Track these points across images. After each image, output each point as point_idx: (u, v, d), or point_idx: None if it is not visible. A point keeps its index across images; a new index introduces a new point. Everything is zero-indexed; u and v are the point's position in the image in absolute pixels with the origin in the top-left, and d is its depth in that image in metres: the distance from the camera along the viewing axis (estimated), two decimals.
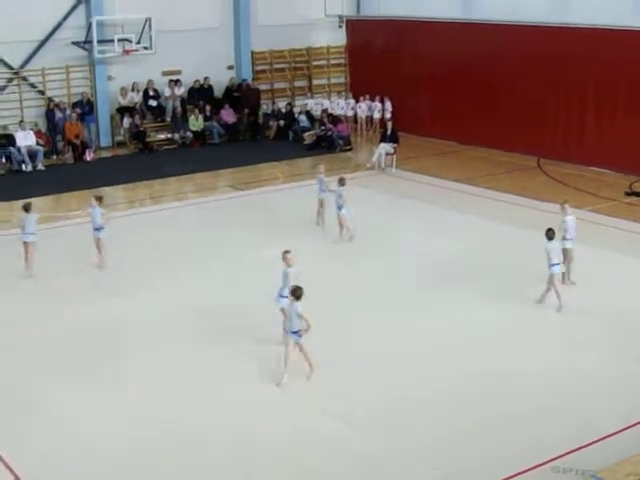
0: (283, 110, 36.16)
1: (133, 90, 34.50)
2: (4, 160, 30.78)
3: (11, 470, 12.42)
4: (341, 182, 22.08)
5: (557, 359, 15.75)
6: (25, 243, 20.25)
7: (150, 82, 34.75)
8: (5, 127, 31.92)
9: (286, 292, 15.45)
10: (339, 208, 22.05)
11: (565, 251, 18.46)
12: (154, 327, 17.34)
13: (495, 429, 13.45)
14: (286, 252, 16.12)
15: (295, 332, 14.77)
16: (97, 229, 20.65)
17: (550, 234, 17.60)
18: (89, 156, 32.32)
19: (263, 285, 17.30)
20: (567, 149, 29.90)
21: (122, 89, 34.18)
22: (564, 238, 18.54)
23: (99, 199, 20.87)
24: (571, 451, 12.56)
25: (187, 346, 16.45)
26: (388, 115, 34.98)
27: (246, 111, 35.76)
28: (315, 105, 37.28)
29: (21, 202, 21.60)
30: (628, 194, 25.97)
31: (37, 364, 15.89)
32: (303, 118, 35.71)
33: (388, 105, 35.67)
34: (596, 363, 15.57)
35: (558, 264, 17.65)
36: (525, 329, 17.06)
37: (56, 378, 15.29)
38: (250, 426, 13.61)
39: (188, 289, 19.36)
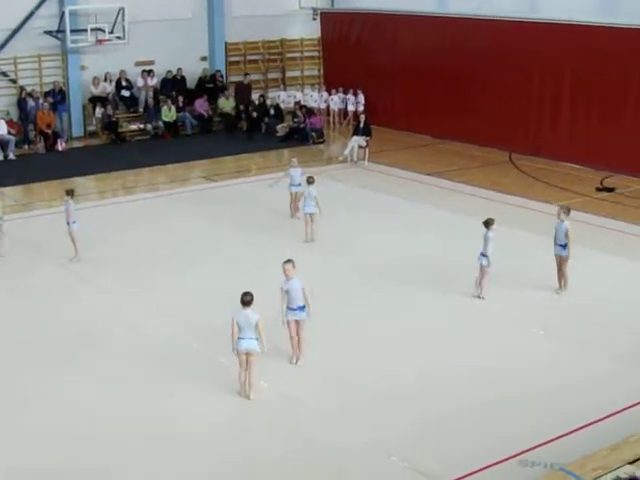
0: (256, 102, 36.08)
1: (106, 80, 34.41)
2: None
3: None
4: (309, 180, 21.88)
5: (529, 354, 15.80)
6: None
7: (123, 72, 34.65)
8: None
9: (292, 305, 14.97)
10: (305, 206, 21.74)
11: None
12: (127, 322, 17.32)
13: (462, 423, 13.47)
14: (286, 262, 15.04)
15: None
16: (71, 223, 20.57)
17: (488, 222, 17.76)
18: (61, 146, 32.17)
19: (227, 281, 17.23)
20: (540, 144, 30.00)
21: (94, 78, 34.07)
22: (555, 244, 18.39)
23: (71, 193, 20.73)
24: (539, 445, 12.62)
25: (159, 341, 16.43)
26: (361, 108, 35.04)
27: (241, 107, 35.66)
28: (288, 97, 37.31)
29: None
30: (599, 190, 26.10)
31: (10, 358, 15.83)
32: (272, 112, 35.64)
33: (361, 98, 35.77)
34: (567, 358, 15.64)
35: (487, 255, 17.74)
36: (493, 325, 17.06)
37: (30, 371, 15.23)
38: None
39: (160, 282, 19.29)
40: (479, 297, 17.96)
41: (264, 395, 14.24)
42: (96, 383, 14.75)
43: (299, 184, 22.96)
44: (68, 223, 20.41)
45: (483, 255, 17.79)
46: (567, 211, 18.34)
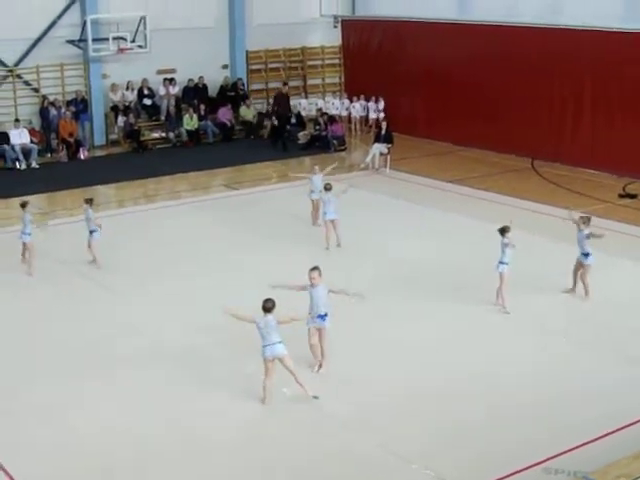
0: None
1: (127, 89, 34.55)
2: None
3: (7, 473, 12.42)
4: (327, 187, 21.87)
5: (550, 361, 15.75)
6: (23, 243, 20.32)
7: (145, 81, 34.78)
8: None
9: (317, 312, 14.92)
10: (326, 213, 21.74)
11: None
12: (147, 331, 17.36)
13: (485, 430, 13.45)
14: (312, 270, 14.94)
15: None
16: (91, 231, 20.70)
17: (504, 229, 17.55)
18: (83, 154, 32.32)
19: (250, 289, 17.20)
20: (561, 151, 29.91)
21: (113, 85, 34.25)
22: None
23: (89, 201, 20.90)
24: (562, 452, 12.57)
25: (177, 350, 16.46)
26: (382, 115, 35.03)
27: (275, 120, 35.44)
28: (309, 105, 37.36)
29: (15, 200, 21.54)
30: (622, 196, 26.00)
31: (30, 366, 15.88)
32: (293, 120, 35.66)
33: (381, 105, 35.74)
34: (589, 365, 15.60)
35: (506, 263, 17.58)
36: (513, 332, 17.02)
37: (51, 380, 15.27)
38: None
39: (180, 290, 19.33)
40: (503, 308, 17.70)
41: (285, 402, 14.24)
42: (116, 391, 14.78)
43: (321, 191, 23.00)
44: (91, 232, 20.59)
45: (501, 263, 17.64)
46: (587, 221, 18.33)
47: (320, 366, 15.23)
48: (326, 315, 14.89)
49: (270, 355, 13.86)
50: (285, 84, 37.25)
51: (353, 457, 12.78)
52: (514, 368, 15.42)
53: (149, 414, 14.05)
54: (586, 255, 18.12)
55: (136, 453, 12.92)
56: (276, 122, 34.91)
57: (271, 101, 37.12)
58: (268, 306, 13.81)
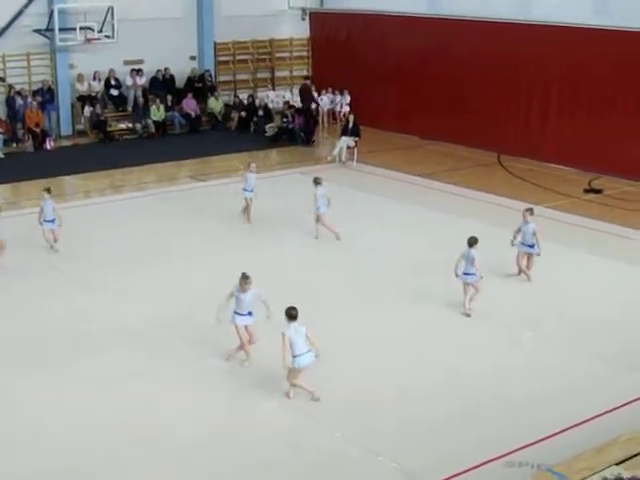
0: (245, 102, 36.08)
1: (94, 79, 34.35)
2: None
3: None
4: (317, 181, 21.84)
5: (513, 357, 15.86)
6: None
7: (112, 71, 34.63)
8: None
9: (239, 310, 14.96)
10: (319, 208, 21.70)
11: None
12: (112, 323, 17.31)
13: (450, 425, 13.51)
14: (245, 278, 14.86)
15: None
16: (49, 221, 20.71)
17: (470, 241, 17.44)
18: (49, 145, 32.13)
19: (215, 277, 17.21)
20: (528, 146, 30.07)
21: (79, 75, 34.07)
22: (522, 244, 19.10)
23: (48, 191, 20.89)
24: (526, 445, 12.68)
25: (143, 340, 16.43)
26: (346, 108, 35.13)
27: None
28: (277, 97, 37.33)
29: None
30: (587, 191, 26.18)
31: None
32: (260, 113, 35.57)
33: (346, 98, 35.81)
34: (554, 361, 15.68)
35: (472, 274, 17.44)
36: (476, 327, 17.05)
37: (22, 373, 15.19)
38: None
39: (149, 282, 19.30)
40: (468, 314, 17.51)
41: (269, 403, 14.27)
42: (91, 385, 14.68)
43: (252, 190, 23.01)
44: (48, 222, 20.72)
45: (469, 274, 17.37)
46: (531, 212, 19.13)
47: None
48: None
49: (308, 364, 13.85)
50: (307, 78, 37.60)
51: (317, 450, 12.85)
52: (478, 364, 15.50)
53: (125, 408, 13.94)
54: (531, 246, 18.94)
55: (112, 448, 12.83)
56: (243, 114, 34.92)
57: (238, 93, 37.09)
58: (295, 313, 13.77)
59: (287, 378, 14.05)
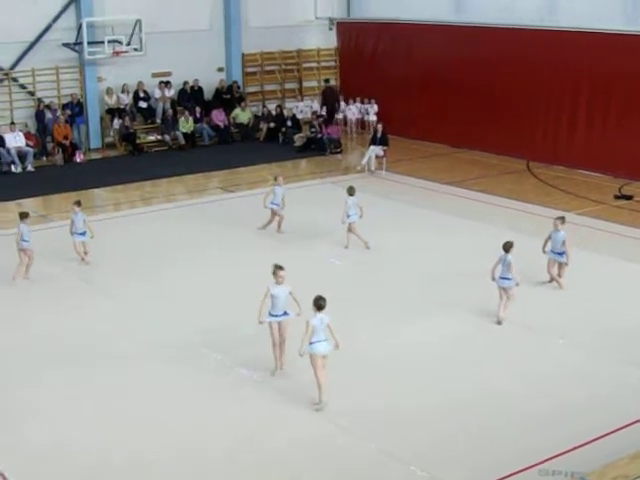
0: (273, 112, 36.13)
1: (123, 92, 34.51)
2: None
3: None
4: (350, 191, 21.79)
5: (544, 365, 15.74)
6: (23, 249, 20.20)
7: (140, 84, 34.76)
8: None
9: (274, 311, 15.07)
10: (350, 217, 21.66)
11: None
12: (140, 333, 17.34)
13: (483, 434, 13.44)
14: (278, 268, 15.16)
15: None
16: (80, 234, 20.79)
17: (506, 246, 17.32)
18: (79, 157, 32.28)
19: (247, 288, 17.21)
20: (557, 152, 29.94)
21: (108, 89, 34.18)
22: (552, 251, 19.00)
23: (79, 204, 20.99)
24: (560, 454, 12.57)
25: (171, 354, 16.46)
26: (373, 118, 35.10)
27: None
28: (305, 107, 37.36)
29: (11, 204, 21.50)
30: (617, 197, 26.02)
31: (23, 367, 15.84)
32: (289, 123, 35.62)
33: (374, 107, 35.77)
34: (586, 368, 15.59)
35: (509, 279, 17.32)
36: (507, 335, 16.97)
37: (44, 381, 15.26)
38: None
39: (177, 292, 19.35)
40: (500, 322, 17.34)
41: (285, 409, 14.25)
42: (109, 392, 14.77)
43: (278, 204, 22.93)
44: (79, 234, 20.81)
45: (505, 279, 17.30)
46: (563, 220, 18.99)
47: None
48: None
49: (325, 351, 13.99)
50: (327, 80, 38.32)
51: (350, 458, 12.78)
52: (509, 372, 15.42)
53: (143, 416, 14.01)
54: (561, 254, 18.82)
55: (130, 458, 12.87)
56: (272, 125, 35.00)
57: (267, 104, 37.14)
58: (323, 304, 14.00)
59: (313, 368, 14.09)
